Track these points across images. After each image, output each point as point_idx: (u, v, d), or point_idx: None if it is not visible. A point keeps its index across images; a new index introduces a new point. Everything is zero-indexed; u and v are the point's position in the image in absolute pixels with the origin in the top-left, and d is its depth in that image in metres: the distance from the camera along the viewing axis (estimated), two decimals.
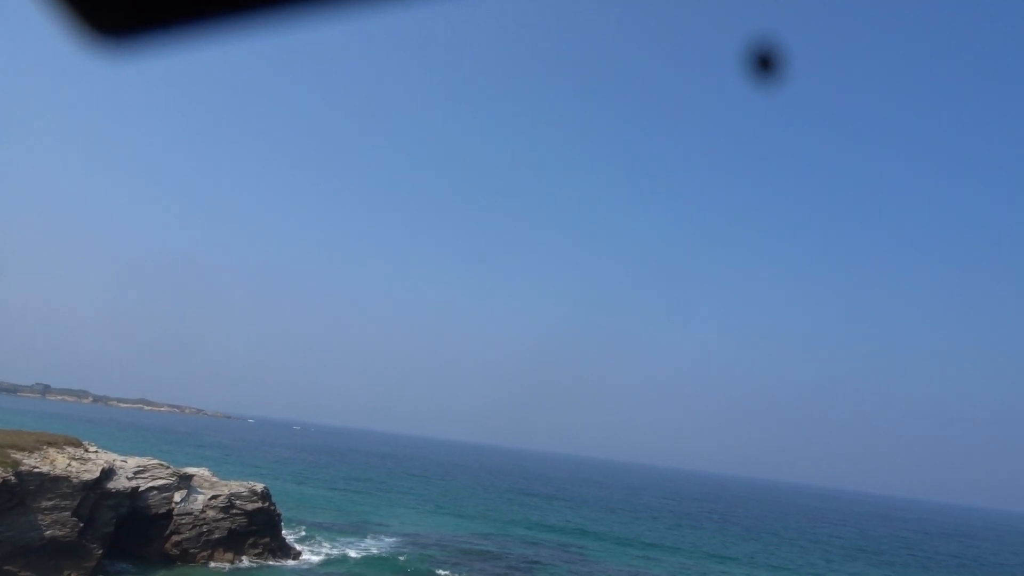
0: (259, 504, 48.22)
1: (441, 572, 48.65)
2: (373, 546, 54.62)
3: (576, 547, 65.33)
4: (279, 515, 50.10)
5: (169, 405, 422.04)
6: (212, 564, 43.26)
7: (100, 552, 38.33)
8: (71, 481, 38.27)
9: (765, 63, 2.01)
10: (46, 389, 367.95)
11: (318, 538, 54.97)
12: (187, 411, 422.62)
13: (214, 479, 49.56)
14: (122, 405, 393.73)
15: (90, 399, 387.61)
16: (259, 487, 49.54)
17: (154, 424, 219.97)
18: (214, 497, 46.47)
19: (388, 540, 57.35)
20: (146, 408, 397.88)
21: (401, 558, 51.00)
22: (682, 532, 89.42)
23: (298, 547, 50.58)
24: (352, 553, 51.44)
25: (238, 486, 48.92)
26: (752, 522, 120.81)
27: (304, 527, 57.96)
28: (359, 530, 60.76)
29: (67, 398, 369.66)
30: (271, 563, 45.31)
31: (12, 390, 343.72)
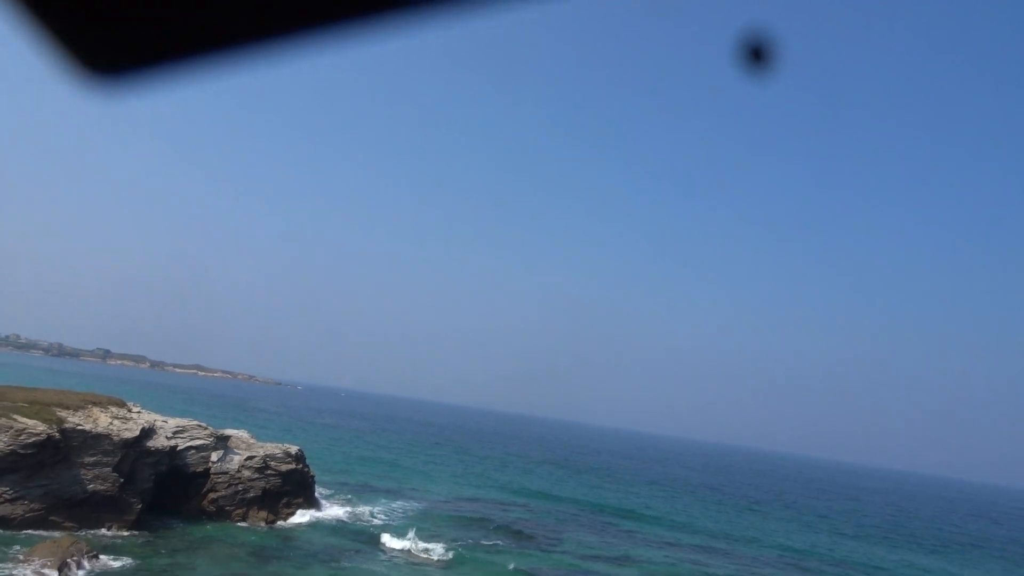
0: (293, 465, 49.80)
1: (459, 533, 49.74)
2: (402, 507, 56.04)
3: (619, 526, 65.96)
4: (312, 476, 51.69)
5: (223, 371, 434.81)
6: (247, 521, 44.97)
7: (140, 506, 40.16)
8: (112, 439, 40.07)
9: (757, 54, 2.03)
10: (106, 354, 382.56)
11: (352, 499, 56.55)
12: (239, 377, 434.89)
13: (251, 440, 51.29)
14: (177, 370, 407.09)
15: (148, 364, 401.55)
16: (293, 449, 51.11)
17: (206, 388, 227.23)
18: (250, 458, 48.11)
19: (417, 504, 58.71)
20: (200, 374, 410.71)
21: (426, 520, 52.25)
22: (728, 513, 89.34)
23: (331, 506, 52.19)
24: (382, 512, 52.93)
25: (273, 448, 50.55)
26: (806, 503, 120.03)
27: (339, 488, 59.66)
28: (392, 493, 62.32)
29: (126, 363, 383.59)
30: (303, 521, 46.87)
31: (75, 354, 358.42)
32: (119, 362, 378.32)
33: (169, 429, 46.04)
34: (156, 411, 53.82)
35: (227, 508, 45.51)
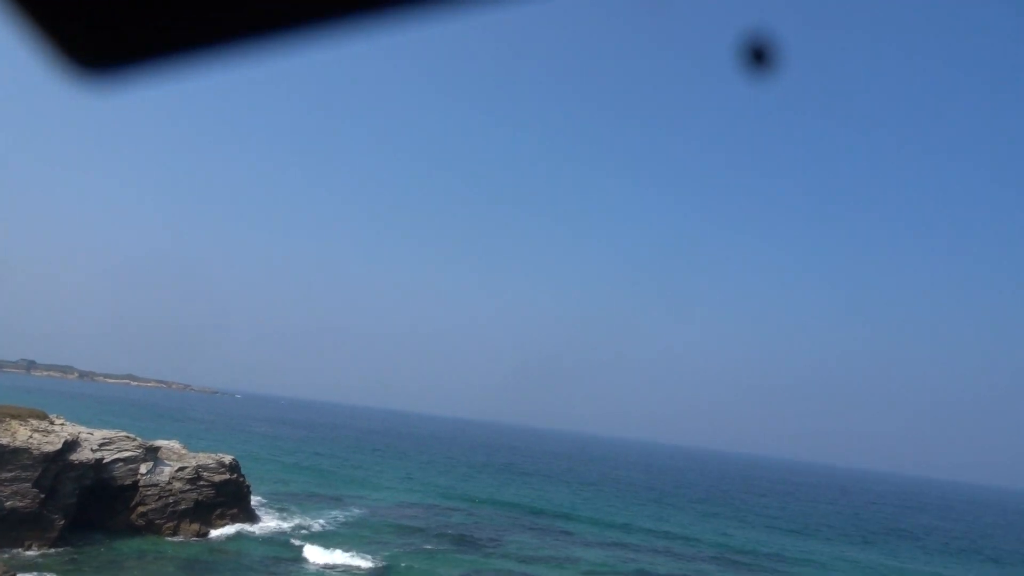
0: (227, 476, 48.58)
1: (397, 540, 49.35)
2: (341, 516, 55.23)
3: (558, 529, 66.30)
4: (248, 486, 50.51)
5: (156, 381, 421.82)
6: (178, 535, 43.67)
7: (62, 523, 38.61)
8: (32, 453, 38.44)
9: (759, 56, 2.00)
10: (31, 365, 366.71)
11: (289, 508, 55.48)
12: (174, 386, 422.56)
13: (183, 451, 49.87)
14: (109, 381, 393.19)
15: (76, 375, 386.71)
16: (227, 459, 49.87)
17: (138, 399, 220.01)
18: (181, 469, 46.76)
19: (357, 512, 57.96)
20: (133, 384, 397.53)
21: (364, 529, 51.67)
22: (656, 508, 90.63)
23: (267, 517, 51.11)
24: (319, 522, 52.03)
25: (206, 458, 49.24)
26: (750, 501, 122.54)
27: (276, 498, 58.47)
28: (330, 501, 61.37)
29: (52, 374, 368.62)
30: (237, 532, 45.77)
31: None
32: (45, 373, 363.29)
33: (95, 441, 44.41)
34: (82, 423, 51.96)
35: (157, 521, 44.11)
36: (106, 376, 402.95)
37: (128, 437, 46.84)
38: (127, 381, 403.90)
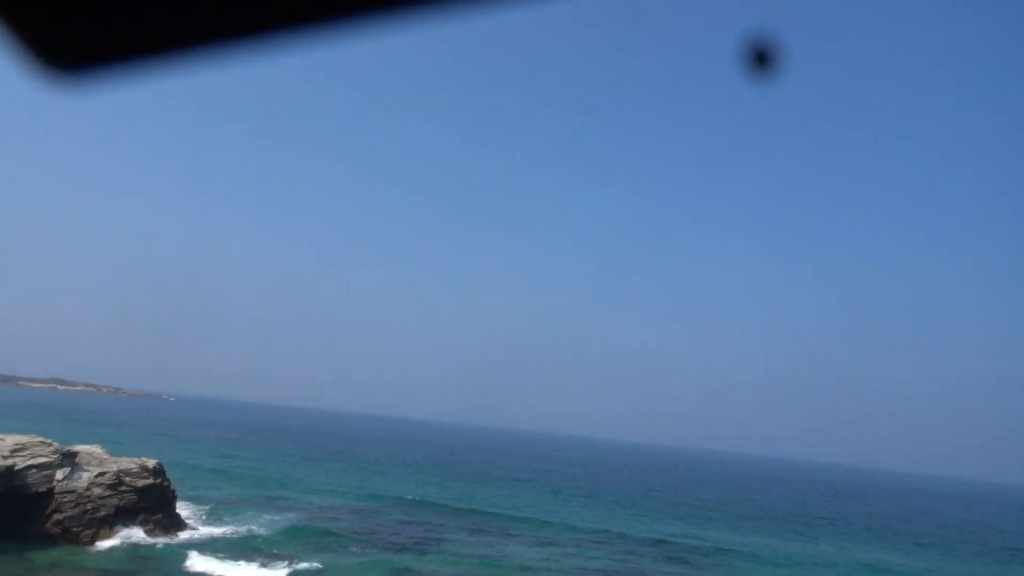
0: (151, 480, 47.00)
1: (325, 544, 48.61)
2: (271, 520, 54.07)
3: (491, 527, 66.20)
4: (173, 491, 48.97)
5: (85, 384, 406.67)
6: (97, 543, 42.03)
7: None
8: None
9: (761, 59, 1.96)
10: None
11: (218, 513, 54.10)
12: (104, 390, 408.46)
13: (104, 456, 48.02)
14: (33, 385, 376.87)
15: None
16: (151, 463, 48.26)
17: (65, 404, 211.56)
18: (101, 474, 45.02)
19: (289, 515, 56.84)
20: (60, 388, 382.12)
21: (292, 532, 50.72)
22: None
23: (193, 523, 49.69)
24: (249, 527, 50.85)
25: (128, 462, 47.54)
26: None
27: (205, 503, 56.92)
28: (262, 505, 60.05)
29: None
30: (160, 539, 44.34)
31: None
32: None
33: (6, 448, 42.41)
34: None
35: (74, 529, 42.34)
36: (31, 380, 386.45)
37: (43, 442, 44.85)
38: (54, 385, 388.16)
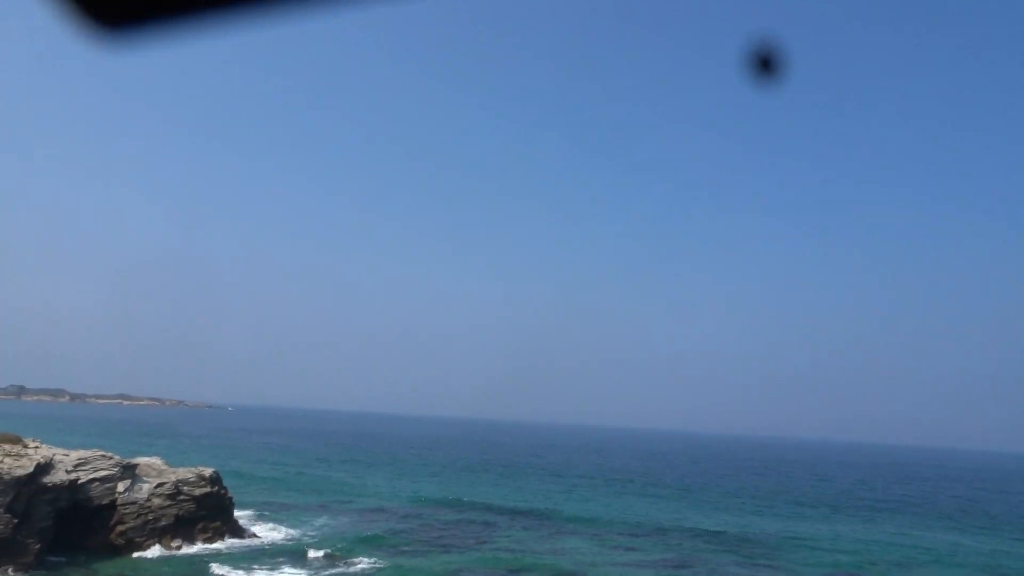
0: (208, 489, 48.17)
1: (381, 545, 49.11)
2: (326, 525, 54.92)
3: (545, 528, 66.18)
4: (230, 498, 50.08)
5: (149, 398, 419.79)
6: (159, 552, 43.24)
7: (38, 547, 38.17)
8: (3, 478, 37.96)
9: (766, 64, 2.00)
10: (21, 390, 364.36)
11: (274, 519, 55.15)
12: (168, 403, 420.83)
13: (163, 467, 49.45)
14: (100, 401, 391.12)
15: (67, 397, 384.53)
16: (208, 472, 49.46)
17: (129, 418, 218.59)
18: (160, 485, 46.33)
19: (344, 519, 57.63)
20: (125, 403, 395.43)
21: (349, 536, 51.35)
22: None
23: (252, 528, 50.73)
24: (305, 531, 51.73)
25: (186, 472, 48.82)
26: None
27: (262, 509, 58.14)
28: (316, 510, 61.04)
29: (43, 398, 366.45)
30: (219, 546, 45.39)
31: None
32: (36, 398, 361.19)
33: (70, 462, 43.93)
34: (69, 445, 51.45)
35: (137, 540, 43.66)
36: (97, 397, 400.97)
37: (104, 456, 46.34)
38: (119, 400, 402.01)
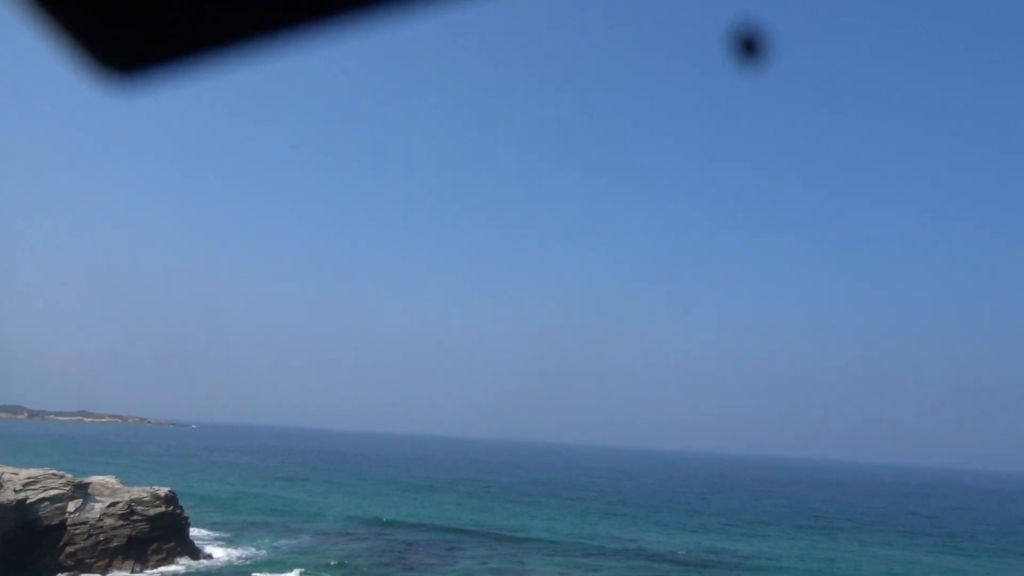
0: (163, 508, 47.18)
1: (337, 567, 48.44)
2: (287, 546, 54.03)
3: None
4: (186, 518, 49.12)
5: (111, 416, 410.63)
6: (110, 573, 42.20)
7: None
8: None
9: (749, 46, 1.99)
10: None
11: (233, 539, 54.15)
12: (129, 420, 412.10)
13: (117, 486, 48.35)
14: (60, 419, 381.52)
15: (25, 414, 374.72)
16: (163, 491, 48.48)
17: (89, 436, 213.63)
18: (112, 504, 45.31)
19: (306, 539, 56.81)
20: (86, 420, 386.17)
21: (306, 557, 50.57)
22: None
23: (208, 549, 49.74)
24: (263, 552, 50.85)
25: (140, 492, 47.81)
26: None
27: (219, 529, 57.08)
28: (277, 529, 60.07)
29: (0, 415, 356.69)
30: (174, 568, 44.43)
31: None
32: None
33: (18, 482, 42.84)
34: (22, 464, 49.96)
35: (87, 561, 42.59)
36: (57, 414, 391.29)
37: (55, 475, 45.26)
38: (80, 418, 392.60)
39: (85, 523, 43.66)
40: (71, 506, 43.81)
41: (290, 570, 45.26)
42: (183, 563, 45.66)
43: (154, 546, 45.67)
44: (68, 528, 43.03)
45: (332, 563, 48.40)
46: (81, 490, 45.22)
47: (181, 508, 48.97)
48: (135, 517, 45.60)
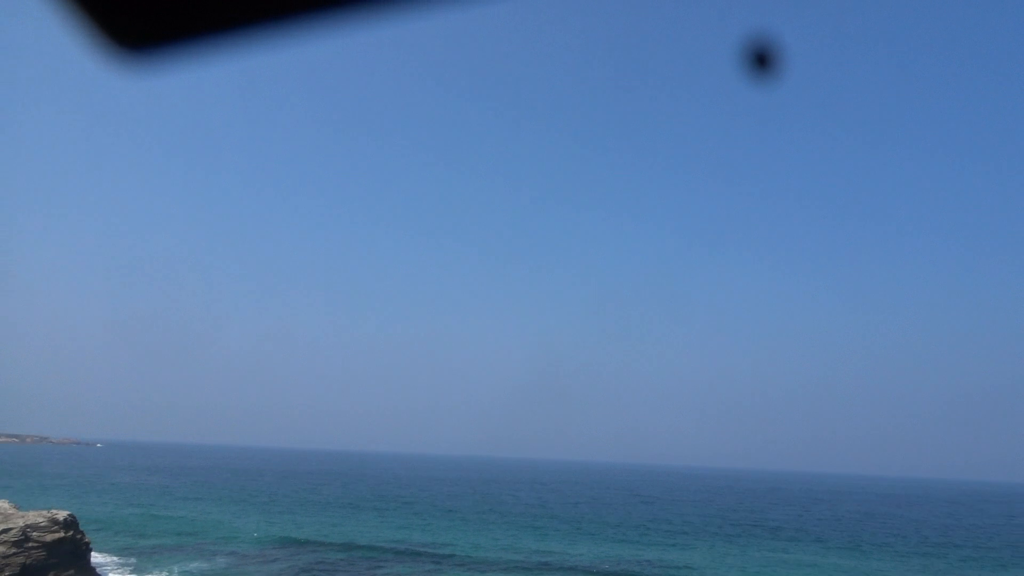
0: (61, 534, 44.35)
1: None
2: (198, 570, 51.66)
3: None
4: (87, 544, 46.32)
5: (7, 435, 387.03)
6: None
7: None
8: None
9: (762, 60, 1.96)
10: None
11: (139, 564, 51.48)
12: (28, 440, 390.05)
13: (10, 511, 45.24)
14: None
15: None
16: (62, 515, 45.61)
17: None
18: (5, 531, 42.31)
19: (221, 562, 54.49)
20: None
21: None
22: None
23: (112, 575, 47.09)
24: None
25: (36, 516, 44.85)
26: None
27: (126, 554, 54.17)
28: (188, 553, 57.39)
29: None
30: None
31: None
32: None
33: None
34: None
35: None
36: None
37: None
38: None
39: None
40: None
41: None
42: None
43: (51, 575, 42.87)
44: None
45: None
46: None
47: (82, 533, 46.17)
48: (30, 544, 42.70)
